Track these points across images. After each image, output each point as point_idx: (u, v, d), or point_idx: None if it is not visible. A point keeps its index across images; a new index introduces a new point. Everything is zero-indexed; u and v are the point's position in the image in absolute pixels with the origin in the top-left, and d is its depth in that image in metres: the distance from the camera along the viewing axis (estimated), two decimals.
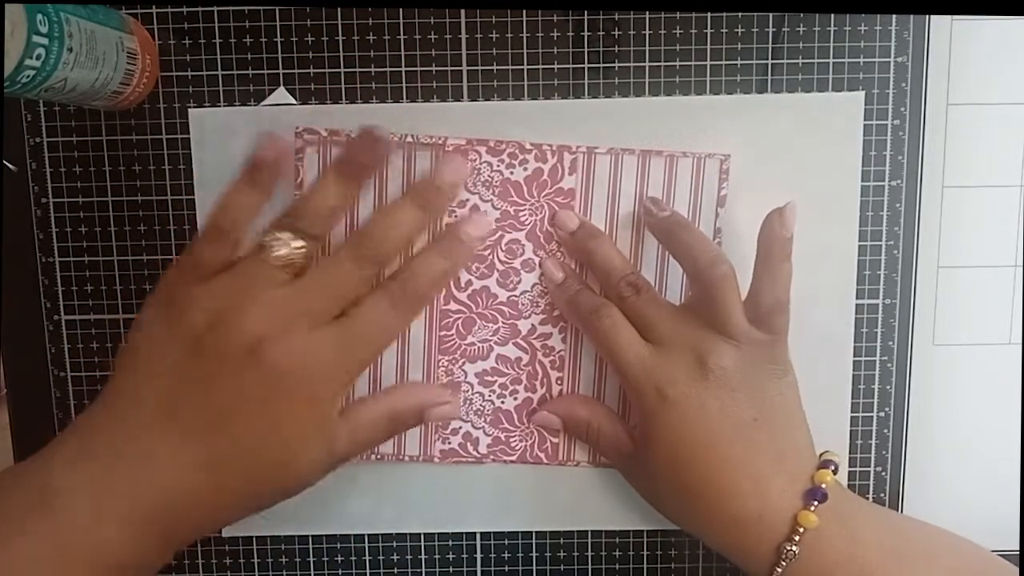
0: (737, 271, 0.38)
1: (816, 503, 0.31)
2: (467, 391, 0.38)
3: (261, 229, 0.32)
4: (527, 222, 0.37)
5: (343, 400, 0.32)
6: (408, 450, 0.38)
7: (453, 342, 0.38)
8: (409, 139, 0.36)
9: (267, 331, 0.29)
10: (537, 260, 0.37)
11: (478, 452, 0.39)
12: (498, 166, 0.37)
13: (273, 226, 0.32)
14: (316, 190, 0.33)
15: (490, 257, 0.37)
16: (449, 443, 0.38)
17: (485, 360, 0.38)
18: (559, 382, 0.38)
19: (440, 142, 0.36)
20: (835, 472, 0.32)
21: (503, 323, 0.38)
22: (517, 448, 0.39)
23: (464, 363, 0.38)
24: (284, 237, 0.31)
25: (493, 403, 0.38)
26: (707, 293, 0.33)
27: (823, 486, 0.32)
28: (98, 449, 0.29)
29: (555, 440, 0.39)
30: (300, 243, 0.31)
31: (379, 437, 0.34)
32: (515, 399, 0.38)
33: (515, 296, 0.38)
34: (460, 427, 0.38)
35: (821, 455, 0.34)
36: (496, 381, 0.38)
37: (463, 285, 0.37)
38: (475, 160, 0.36)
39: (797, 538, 0.31)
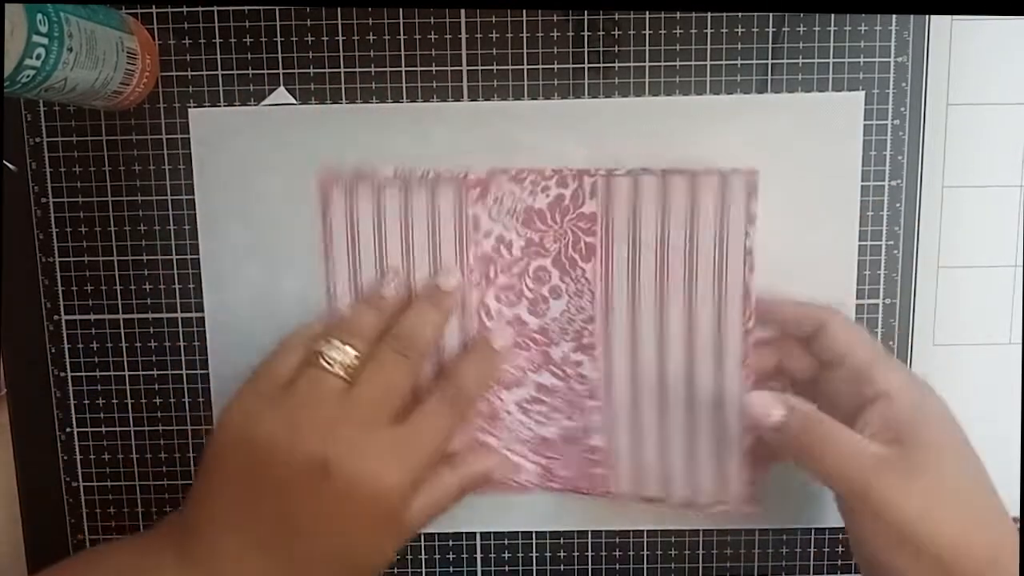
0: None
1: None
2: (507, 419, 0.38)
3: (313, 335, 0.33)
4: (552, 249, 0.37)
5: (410, 499, 0.32)
6: None
7: None
8: (431, 175, 0.36)
9: (330, 447, 0.30)
10: (564, 287, 0.37)
11: (524, 481, 0.38)
12: (520, 194, 0.36)
13: (329, 334, 0.33)
14: (366, 310, 0.35)
15: (519, 285, 0.37)
16: None
17: (522, 388, 0.38)
18: (595, 411, 0.38)
19: (461, 176, 0.36)
20: None
21: (536, 350, 0.37)
22: (561, 476, 0.38)
23: (501, 391, 0.38)
24: (337, 344, 0.32)
25: (533, 431, 0.38)
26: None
27: None
28: (176, 556, 0.30)
29: (598, 471, 0.38)
30: (353, 352, 0.32)
31: (449, 505, 0.34)
32: (555, 427, 0.38)
33: (545, 323, 0.37)
34: (504, 455, 0.38)
35: None
36: (534, 408, 0.38)
37: (493, 314, 0.37)
38: (497, 191, 0.36)
39: None
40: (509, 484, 0.38)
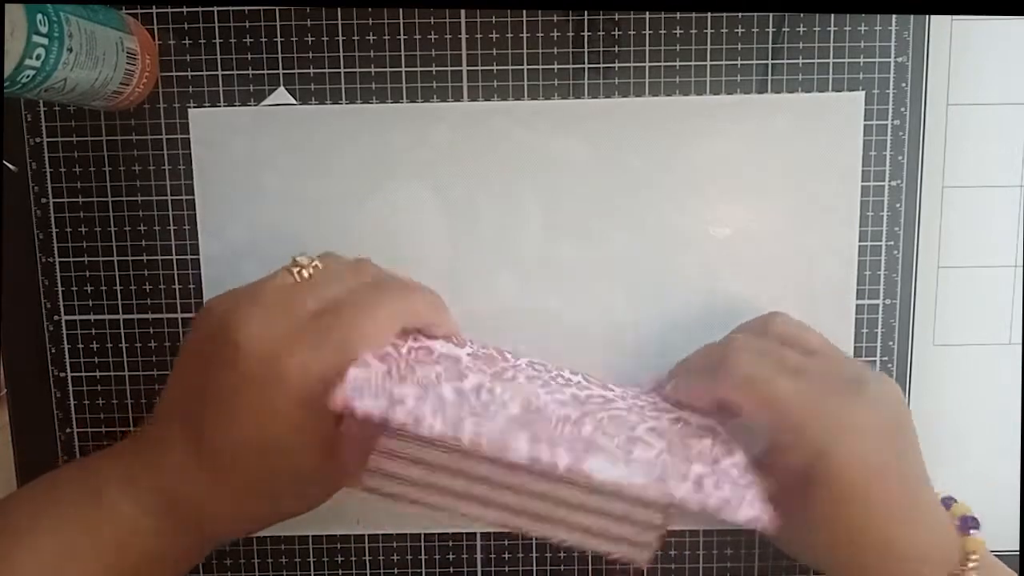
0: (743, 274, 0.38)
1: (972, 530, 0.31)
2: None
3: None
4: None
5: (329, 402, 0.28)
6: None
7: None
8: None
9: (245, 323, 0.28)
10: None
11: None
12: None
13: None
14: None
15: None
16: None
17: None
18: None
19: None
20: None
21: None
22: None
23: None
24: (312, 256, 0.31)
25: None
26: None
27: (970, 513, 0.31)
28: (136, 440, 0.31)
29: None
30: (317, 263, 0.31)
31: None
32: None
33: None
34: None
35: None
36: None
37: None
38: None
39: (972, 564, 0.30)
40: None
